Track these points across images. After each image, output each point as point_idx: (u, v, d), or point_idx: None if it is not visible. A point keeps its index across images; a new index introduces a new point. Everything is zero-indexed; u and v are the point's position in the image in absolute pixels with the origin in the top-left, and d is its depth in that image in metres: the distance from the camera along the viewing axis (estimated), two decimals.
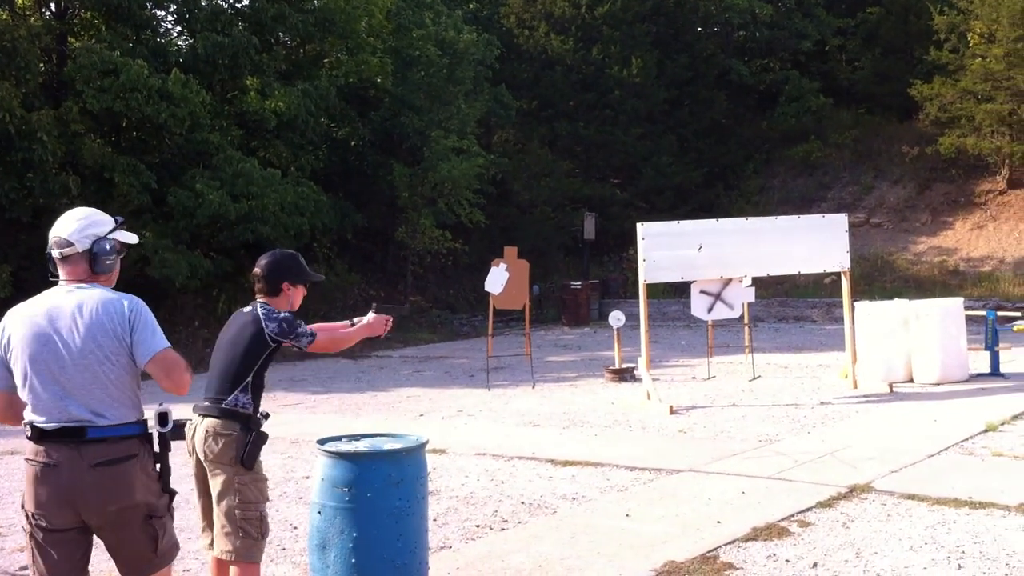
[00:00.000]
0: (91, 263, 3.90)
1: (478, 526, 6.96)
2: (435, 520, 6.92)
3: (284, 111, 20.80)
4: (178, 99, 18.61)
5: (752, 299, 13.58)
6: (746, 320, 14.77)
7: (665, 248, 12.24)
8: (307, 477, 8.08)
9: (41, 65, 19.31)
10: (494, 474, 8.62)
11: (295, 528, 6.97)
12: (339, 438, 5.28)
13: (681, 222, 13.16)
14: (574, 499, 7.64)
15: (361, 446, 5.11)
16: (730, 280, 12.67)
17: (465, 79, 25.53)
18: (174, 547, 4.03)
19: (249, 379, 4.64)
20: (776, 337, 20.12)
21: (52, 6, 20.55)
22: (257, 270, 4.87)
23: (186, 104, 18.74)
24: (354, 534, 4.88)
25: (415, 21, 24.66)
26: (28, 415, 3.83)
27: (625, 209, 28.34)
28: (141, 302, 3.91)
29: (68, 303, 3.84)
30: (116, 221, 4.01)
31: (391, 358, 18.88)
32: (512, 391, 13.91)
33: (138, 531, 3.84)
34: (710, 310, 12.81)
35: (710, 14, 33.04)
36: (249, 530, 4.56)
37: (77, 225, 3.90)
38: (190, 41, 21.49)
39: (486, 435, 10.57)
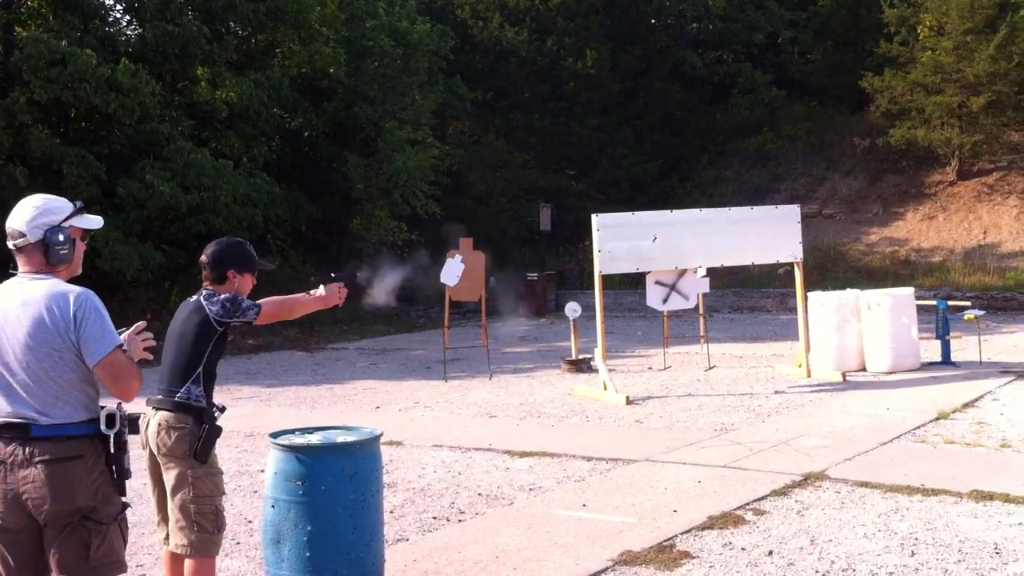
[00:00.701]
0: (45, 253, 3.75)
1: (435, 518, 6.93)
2: (391, 512, 6.88)
3: (236, 101, 20.58)
4: (127, 89, 18.31)
5: (707, 289, 13.65)
6: (701, 310, 14.85)
7: (620, 239, 12.26)
8: (262, 471, 7.97)
9: None
10: (451, 466, 8.59)
11: (250, 522, 6.89)
12: (292, 431, 5.22)
13: (636, 213, 13.21)
14: (531, 490, 7.62)
15: (314, 439, 5.05)
16: (685, 271, 12.73)
17: (419, 70, 25.41)
18: (115, 564, 3.72)
19: (200, 370, 4.58)
20: (731, 327, 20.25)
21: None
22: (203, 258, 4.80)
23: (136, 94, 18.44)
24: (308, 528, 4.83)
25: (368, 11, 24.49)
26: None
27: (581, 200, 28.40)
28: (92, 296, 3.72)
29: (16, 297, 3.72)
30: (75, 206, 3.84)
31: (347, 350, 18.76)
32: (469, 383, 13.88)
33: (69, 534, 3.64)
34: (665, 301, 12.87)
35: (663, 6, 33.24)
36: (204, 524, 4.50)
37: (30, 215, 3.75)
38: (139, 30, 21.15)
39: (443, 427, 10.53)
